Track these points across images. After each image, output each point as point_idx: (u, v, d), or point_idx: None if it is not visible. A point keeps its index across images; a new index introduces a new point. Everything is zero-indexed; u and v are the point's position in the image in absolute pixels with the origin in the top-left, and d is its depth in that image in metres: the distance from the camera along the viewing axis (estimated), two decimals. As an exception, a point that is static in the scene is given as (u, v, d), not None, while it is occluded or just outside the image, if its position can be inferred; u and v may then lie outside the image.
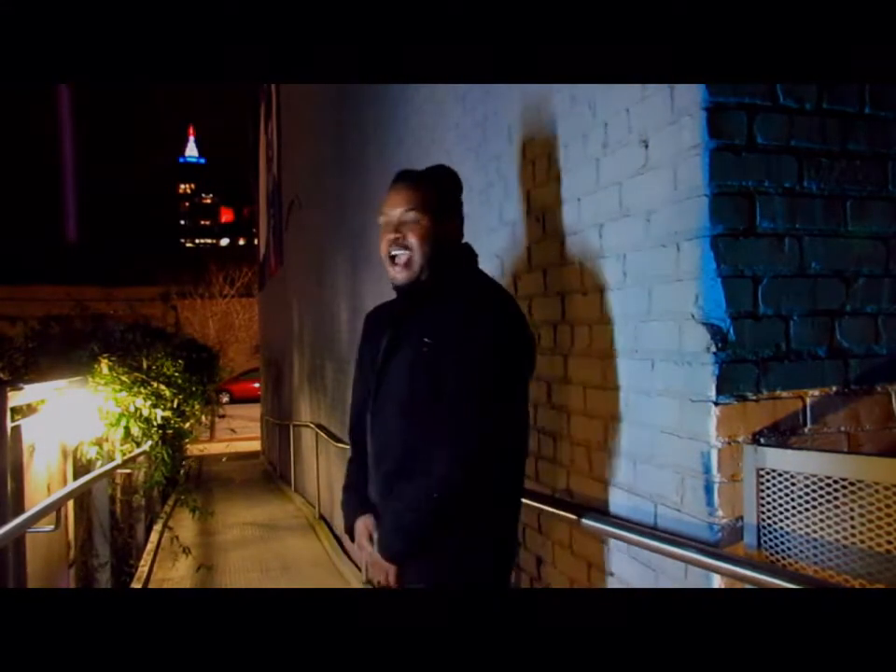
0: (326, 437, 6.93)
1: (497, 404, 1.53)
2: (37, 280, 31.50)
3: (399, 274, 1.64)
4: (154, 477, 5.14)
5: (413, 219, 1.62)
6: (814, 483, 1.38)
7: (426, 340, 1.56)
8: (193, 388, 6.34)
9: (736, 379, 1.50)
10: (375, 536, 1.60)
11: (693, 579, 1.54)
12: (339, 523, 6.61)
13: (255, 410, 17.30)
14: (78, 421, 3.88)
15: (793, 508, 1.41)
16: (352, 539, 1.71)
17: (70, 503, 3.68)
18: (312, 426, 7.85)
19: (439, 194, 1.67)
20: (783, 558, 1.43)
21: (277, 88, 11.50)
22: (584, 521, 1.83)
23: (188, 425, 6.30)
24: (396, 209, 1.64)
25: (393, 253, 1.64)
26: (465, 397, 1.51)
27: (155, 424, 4.81)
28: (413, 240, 1.62)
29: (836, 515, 1.35)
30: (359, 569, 5.37)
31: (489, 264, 2.37)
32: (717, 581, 1.48)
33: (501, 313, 1.60)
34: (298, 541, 6.67)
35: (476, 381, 1.52)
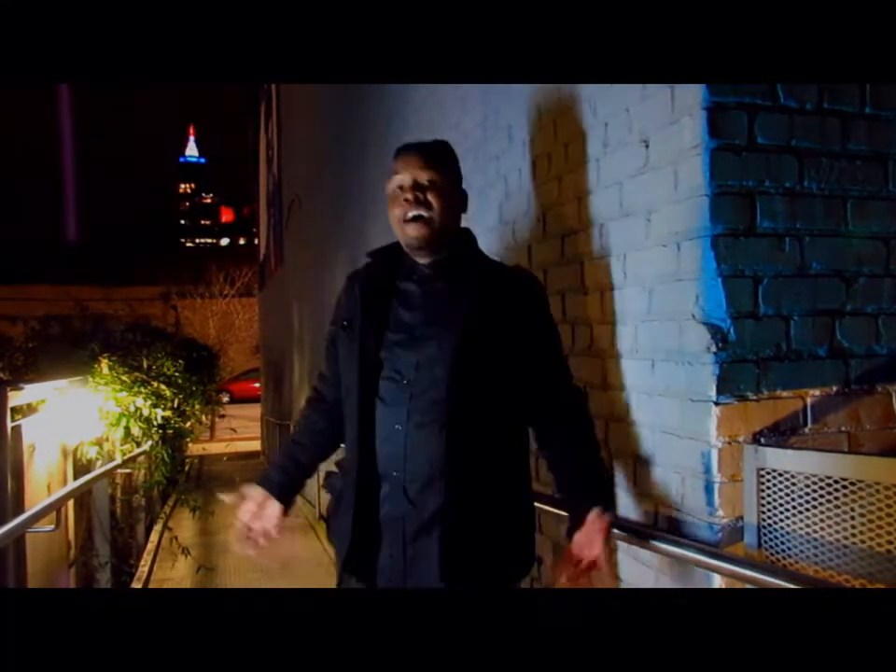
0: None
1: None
2: (37, 280, 31.50)
3: (416, 231, 1.48)
4: (154, 477, 5.14)
5: (433, 181, 1.49)
6: (814, 482, 1.38)
7: (471, 321, 1.44)
8: (193, 388, 6.34)
9: (737, 379, 1.49)
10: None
11: (694, 579, 1.54)
12: (339, 523, 6.61)
13: (255, 410, 17.27)
14: (78, 421, 3.88)
15: (794, 508, 1.41)
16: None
17: (70, 503, 3.68)
18: (312, 426, 7.82)
19: (454, 162, 1.58)
20: (783, 558, 1.43)
21: (277, 88, 11.49)
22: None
23: (188, 424, 6.30)
24: (411, 172, 1.49)
25: (412, 214, 1.48)
26: (565, 378, 1.59)
27: (155, 423, 4.81)
28: (434, 201, 1.48)
29: (836, 515, 1.35)
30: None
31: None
32: (717, 581, 1.48)
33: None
34: (298, 541, 6.65)
35: (562, 361, 1.62)
